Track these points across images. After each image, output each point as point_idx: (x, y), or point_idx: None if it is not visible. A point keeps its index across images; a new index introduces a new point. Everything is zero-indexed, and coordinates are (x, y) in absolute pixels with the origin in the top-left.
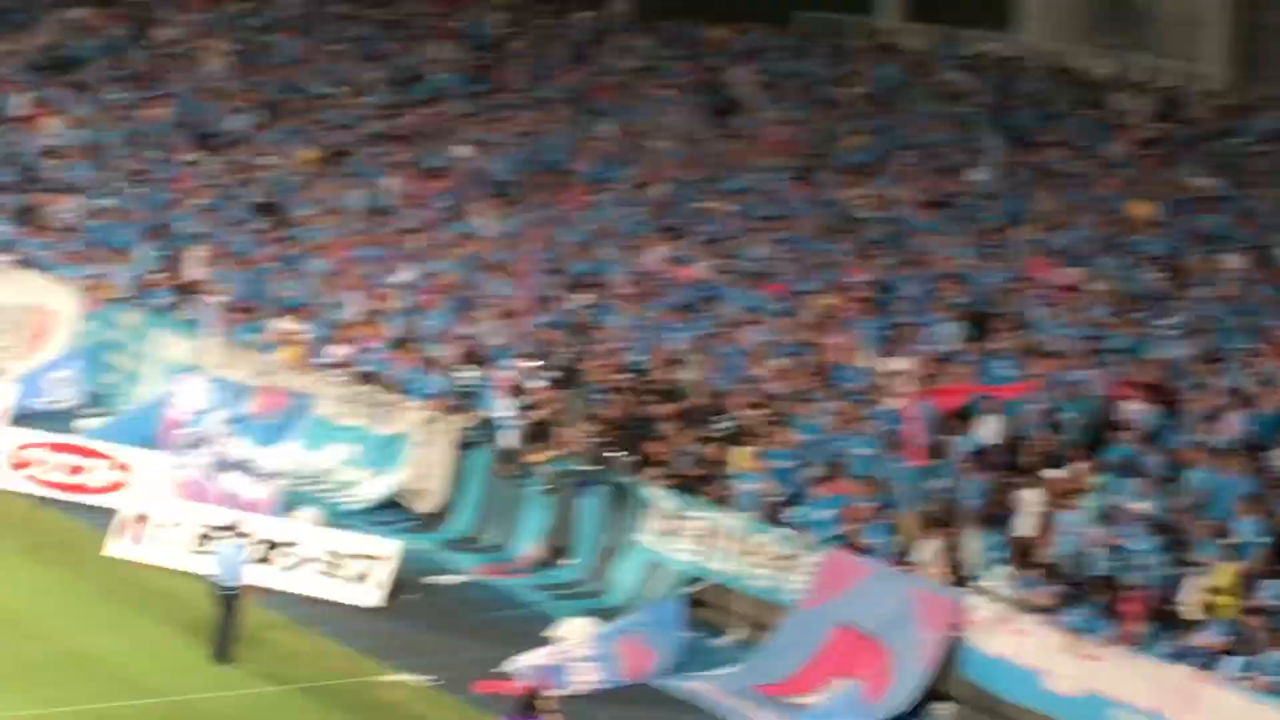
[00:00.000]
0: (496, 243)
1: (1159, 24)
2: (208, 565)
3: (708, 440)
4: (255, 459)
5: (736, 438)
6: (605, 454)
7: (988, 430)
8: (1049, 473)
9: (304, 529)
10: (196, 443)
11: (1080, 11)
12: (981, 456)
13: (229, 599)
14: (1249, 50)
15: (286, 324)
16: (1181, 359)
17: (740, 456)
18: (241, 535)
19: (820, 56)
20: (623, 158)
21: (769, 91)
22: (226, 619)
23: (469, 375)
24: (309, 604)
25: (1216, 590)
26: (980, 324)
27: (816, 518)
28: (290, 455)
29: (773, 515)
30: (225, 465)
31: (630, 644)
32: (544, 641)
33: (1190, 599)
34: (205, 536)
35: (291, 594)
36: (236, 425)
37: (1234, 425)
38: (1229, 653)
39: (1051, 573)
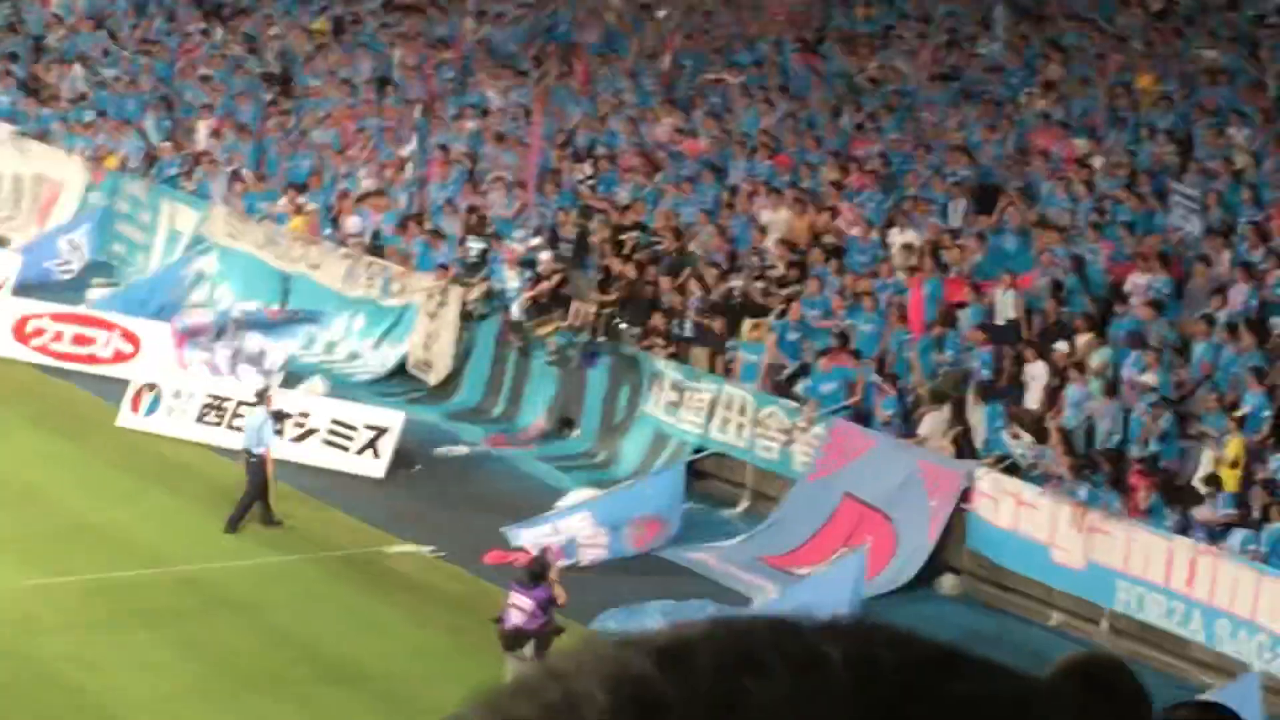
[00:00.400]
0: (504, 114)
1: None
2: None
3: (715, 311)
4: (267, 351)
5: (743, 309)
6: (612, 325)
7: (996, 303)
8: (1056, 345)
9: (310, 399)
10: (217, 333)
11: None
12: (988, 329)
13: (257, 464)
14: None
15: (294, 195)
16: (1189, 232)
17: (747, 328)
18: (265, 401)
19: None
20: (630, 30)
21: None
22: (258, 484)
23: (476, 247)
24: (315, 474)
25: (1224, 463)
26: (987, 197)
27: (824, 390)
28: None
29: (780, 387)
30: (240, 357)
31: (637, 519)
32: (551, 512)
33: (1198, 472)
34: (213, 407)
35: (297, 464)
36: (250, 318)
37: (1241, 298)
38: (1235, 525)
39: (1059, 445)
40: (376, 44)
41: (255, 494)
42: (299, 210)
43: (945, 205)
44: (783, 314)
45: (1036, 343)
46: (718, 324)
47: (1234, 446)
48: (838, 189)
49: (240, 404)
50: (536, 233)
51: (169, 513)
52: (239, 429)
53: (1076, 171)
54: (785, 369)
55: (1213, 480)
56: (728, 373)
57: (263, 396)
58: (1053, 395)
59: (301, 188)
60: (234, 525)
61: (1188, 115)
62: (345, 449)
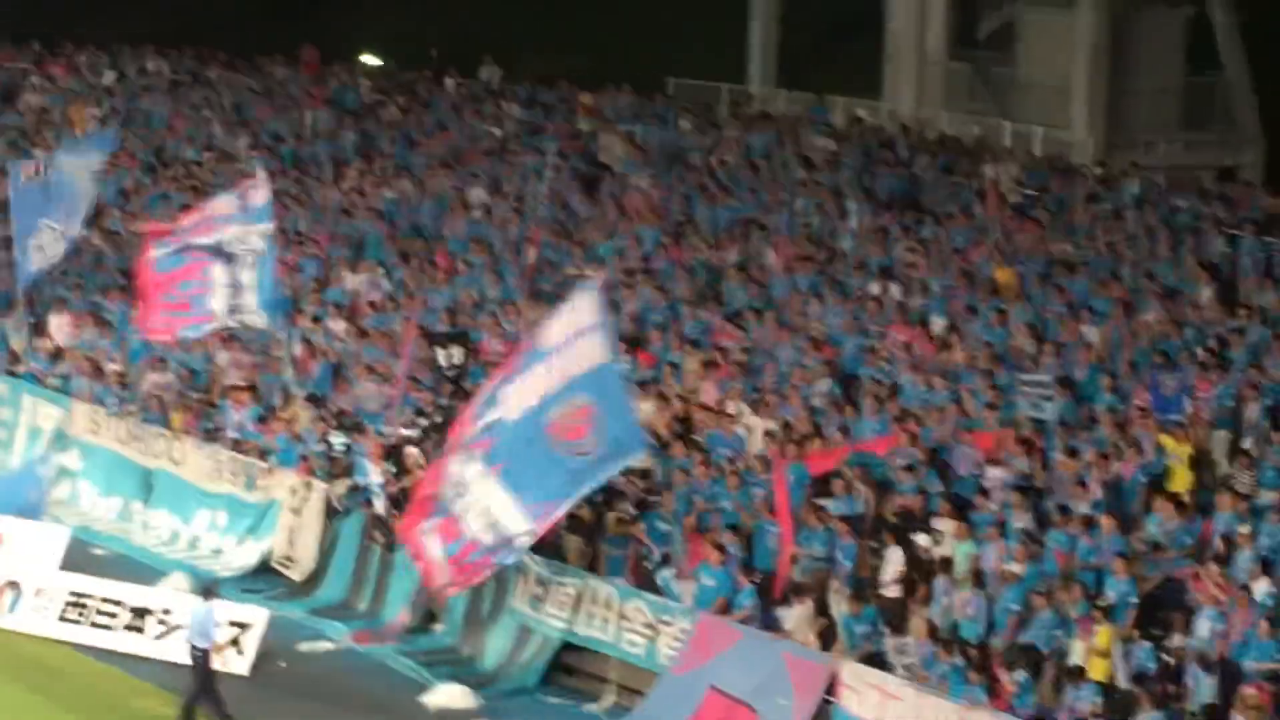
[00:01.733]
0: (368, 308)
1: (1026, 91)
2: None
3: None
4: None
5: (607, 502)
6: None
7: (856, 494)
8: (918, 536)
9: (174, 596)
10: None
11: (948, 79)
12: (851, 520)
13: (201, 659)
14: (1115, 117)
15: (158, 389)
16: (1049, 421)
17: (612, 520)
18: (210, 596)
19: (691, 123)
20: (494, 223)
21: (639, 157)
22: (202, 679)
23: (340, 441)
24: (180, 671)
25: (1093, 651)
26: (848, 387)
27: (704, 583)
28: None
29: (646, 580)
30: None
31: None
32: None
33: (1075, 659)
34: (75, 605)
35: (161, 661)
36: None
37: (1099, 488)
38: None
39: (923, 636)
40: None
41: (202, 688)
42: (167, 400)
43: (807, 394)
44: (648, 505)
45: (897, 532)
46: (584, 513)
47: (1103, 636)
48: (702, 379)
49: (102, 600)
50: (413, 421)
51: (27, 711)
52: (103, 626)
53: (935, 360)
54: (651, 560)
55: (1076, 672)
56: (592, 567)
57: (208, 592)
58: (910, 584)
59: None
60: (211, 710)
61: (1043, 306)
62: None
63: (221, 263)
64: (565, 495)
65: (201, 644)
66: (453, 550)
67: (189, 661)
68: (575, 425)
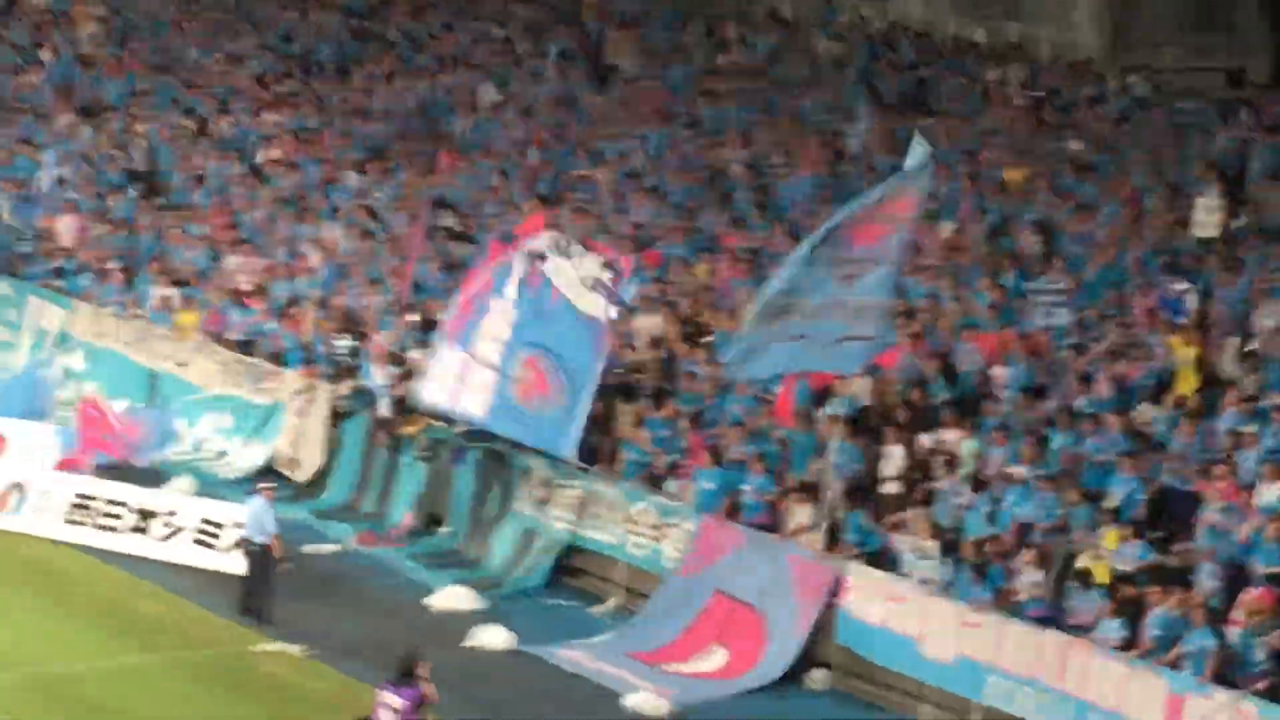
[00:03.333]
0: (374, 208)
1: None
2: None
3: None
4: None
5: (619, 392)
6: None
7: (860, 394)
8: (922, 436)
9: (179, 498)
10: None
11: None
12: (854, 421)
13: (259, 554)
14: (1120, 18)
15: (166, 291)
16: (1055, 325)
17: (622, 422)
18: (268, 489)
19: (696, 24)
20: (500, 122)
21: (645, 58)
22: (259, 575)
23: (345, 343)
24: (185, 573)
25: (1099, 555)
26: None
27: (703, 487)
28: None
29: (650, 483)
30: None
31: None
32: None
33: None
34: (81, 506)
35: (167, 563)
36: None
37: (1106, 388)
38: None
39: (928, 537)
40: (246, 137)
41: (262, 581)
42: (171, 306)
43: None
44: (658, 407)
45: (901, 433)
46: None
47: (1110, 538)
48: (707, 284)
49: (107, 503)
50: (406, 320)
51: (30, 612)
52: (108, 528)
53: (942, 260)
54: (657, 464)
55: (1083, 575)
56: (612, 463)
57: (261, 488)
58: (910, 483)
59: (171, 282)
60: (260, 612)
61: (1052, 206)
62: (213, 547)
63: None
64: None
65: (260, 539)
66: None
67: (245, 559)
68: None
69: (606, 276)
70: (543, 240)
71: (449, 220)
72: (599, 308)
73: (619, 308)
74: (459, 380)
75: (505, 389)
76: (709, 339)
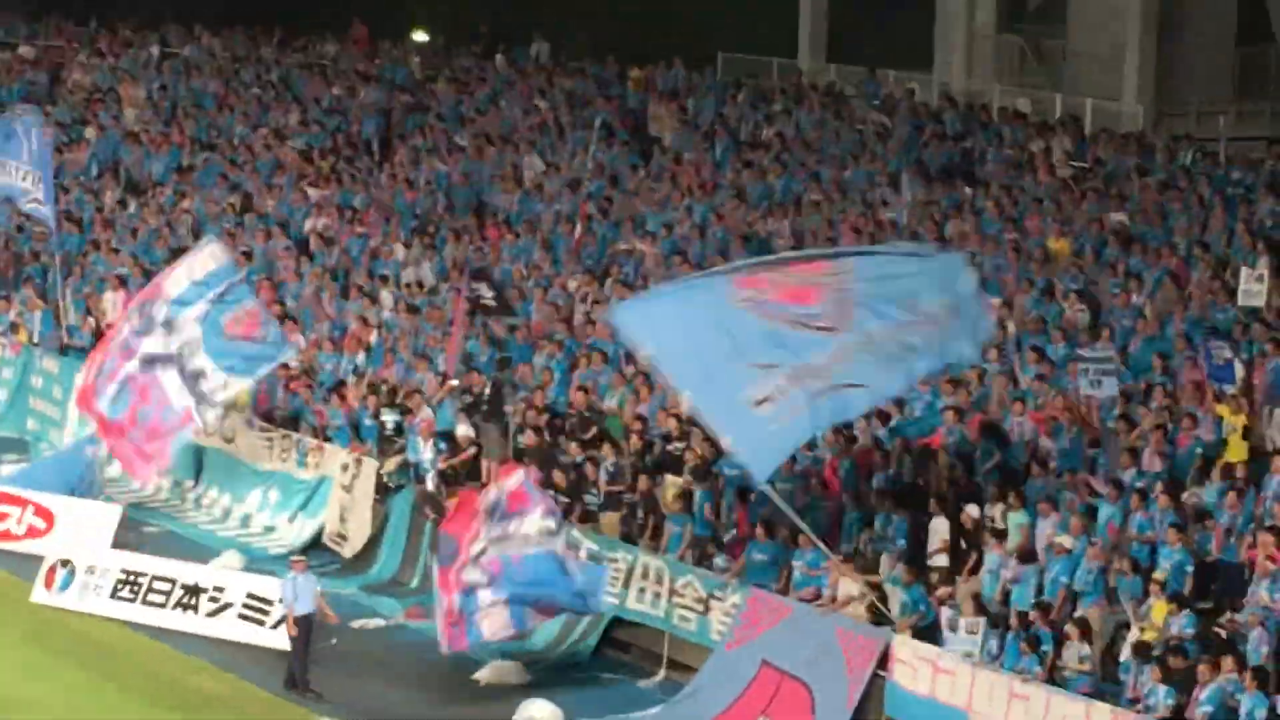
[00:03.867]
0: (419, 283)
1: (1077, 63)
2: (279, 594)
3: (633, 484)
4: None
5: (664, 465)
6: None
7: (908, 468)
8: (968, 509)
9: (225, 574)
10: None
11: (999, 51)
12: (901, 494)
13: (304, 625)
14: (1165, 86)
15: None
16: (1106, 395)
17: (666, 495)
18: (299, 561)
19: (742, 97)
20: (544, 197)
21: (690, 131)
22: (302, 646)
23: (390, 418)
24: (232, 648)
25: (1150, 627)
26: None
27: (754, 560)
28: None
29: (698, 556)
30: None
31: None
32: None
33: (1129, 637)
34: (127, 582)
35: (214, 638)
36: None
37: (1155, 461)
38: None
39: (976, 610)
40: (291, 213)
41: (302, 652)
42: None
43: None
44: (702, 482)
45: (947, 506)
46: (642, 484)
47: (1159, 610)
48: None
49: (154, 579)
50: (449, 390)
51: (80, 688)
52: (155, 604)
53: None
54: (703, 537)
55: (1142, 647)
56: (651, 541)
57: (301, 562)
58: (955, 555)
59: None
60: (299, 682)
61: (1097, 278)
62: (261, 623)
63: (161, 369)
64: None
65: (304, 610)
66: None
67: (292, 632)
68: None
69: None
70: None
71: (490, 295)
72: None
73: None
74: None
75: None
76: None
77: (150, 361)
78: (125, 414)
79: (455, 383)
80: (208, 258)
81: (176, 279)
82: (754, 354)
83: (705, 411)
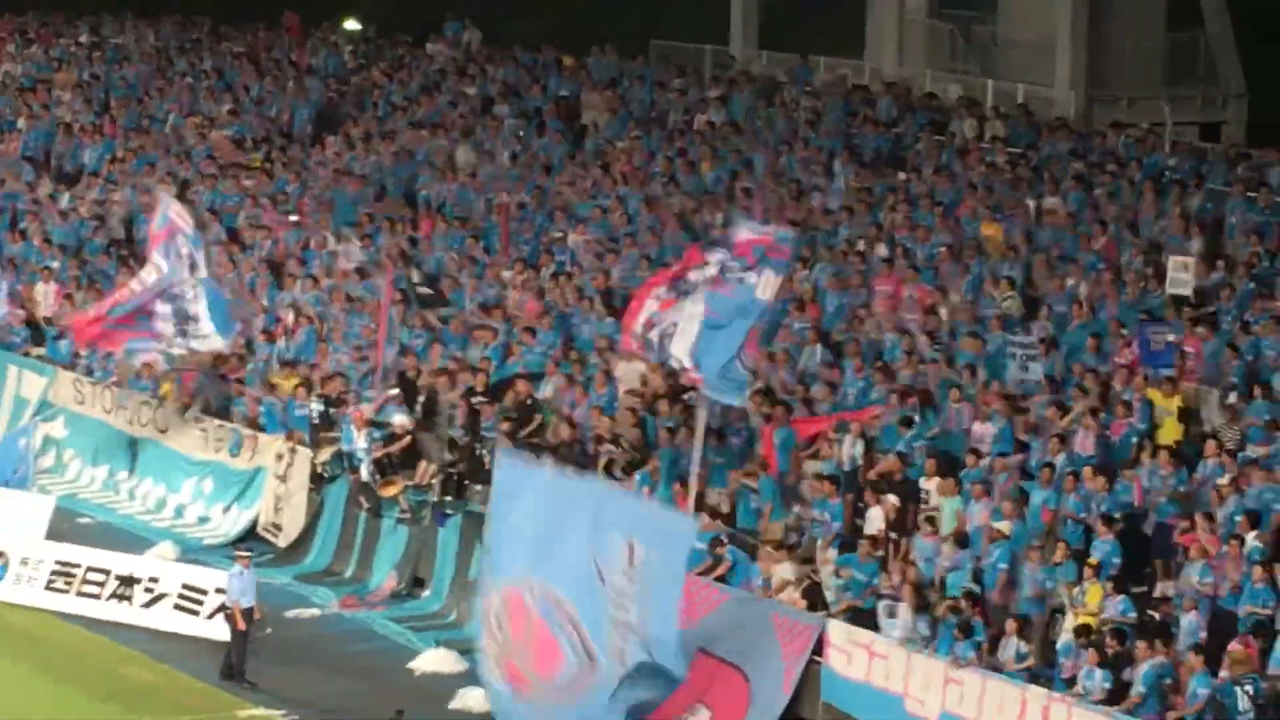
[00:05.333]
0: (351, 273)
1: (1008, 49)
2: (225, 588)
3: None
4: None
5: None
6: (460, 483)
7: (844, 453)
8: (902, 494)
9: (160, 565)
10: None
11: (930, 38)
12: (838, 479)
13: (242, 618)
14: (1096, 72)
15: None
16: (1030, 380)
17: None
18: (243, 557)
19: (675, 84)
20: (478, 186)
21: (623, 119)
22: (240, 639)
23: (320, 407)
24: (166, 639)
25: (1085, 612)
26: (835, 346)
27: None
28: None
29: None
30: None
31: None
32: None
33: (1062, 622)
34: (61, 574)
35: (149, 629)
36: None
37: (1088, 444)
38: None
39: (913, 595)
40: (222, 203)
41: (241, 645)
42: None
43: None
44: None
45: (884, 491)
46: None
47: (1093, 594)
48: None
49: (89, 570)
50: (386, 391)
51: (14, 680)
52: (90, 595)
53: (922, 319)
54: None
55: (1084, 631)
56: None
57: (241, 555)
58: (895, 543)
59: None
60: (237, 673)
61: (1030, 263)
62: (196, 614)
63: (160, 299)
64: None
65: (247, 604)
66: None
67: (228, 624)
68: None
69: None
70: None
71: (424, 284)
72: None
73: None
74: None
75: None
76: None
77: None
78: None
79: (395, 392)
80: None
81: (186, 218)
82: None
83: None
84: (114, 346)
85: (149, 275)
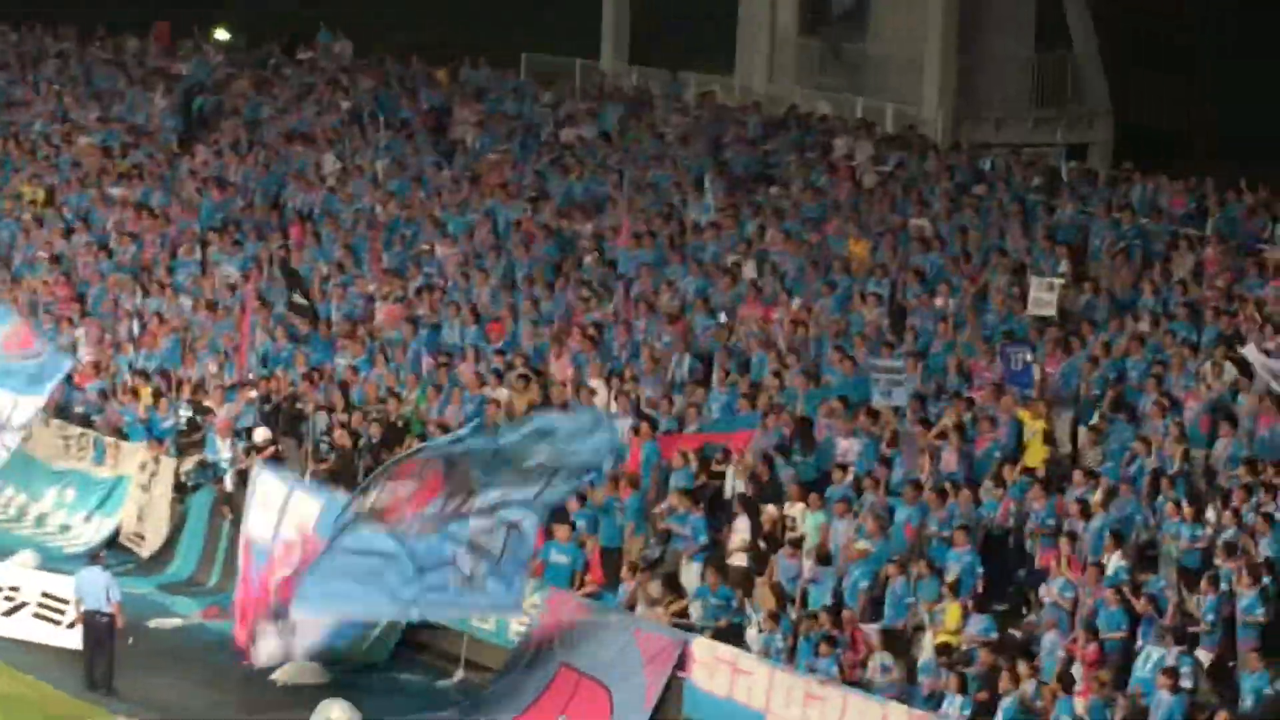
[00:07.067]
0: (219, 282)
1: (878, 68)
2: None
3: None
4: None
5: None
6: None
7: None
8: (768, 510)
9: (20, 573)
10: None
11: (801, 55)
12: (698, 494)
13: (101, 625)
14: (965, 92)
15: None
16: (896, 405)
17: None
18: (99, 561)
19: (545, 98)
20: (345, 197)
21: (492, 132)
22: (100, 645)
23: (185, 415)
24: (25, 648)
25: (945, 630)
26: (703, 363)
27: (554, 560)
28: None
29: None
30: None
31: None
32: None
33: (927, 640)
34: None
35: (8, 638)
36: None
37: (952, 461)
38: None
39: (773, 611)
40: (90, 211)
41: (103, 650)
42: None
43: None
44: None
45: (748, 506)
46: None
47: (953, 613)
48: (556, 355)
49: None
50: (249, 397)
51: None
52: None
53: (788, 336)
54: None
55: (946, 649)
56: None
57: (96, 558)
58: (760, 557)
59: None
60: (102, 682)
61: (897, 281)
62: (56, 623)
63: None
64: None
65: (105, 609)
66: None
67: (86, 629)
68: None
69: None
70: None
71: (294, 293)
72: None
73: None
74: None
75: None
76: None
77: None
78: None
79: (255, 394)
80: None
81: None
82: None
83: None
84: None
85: None
